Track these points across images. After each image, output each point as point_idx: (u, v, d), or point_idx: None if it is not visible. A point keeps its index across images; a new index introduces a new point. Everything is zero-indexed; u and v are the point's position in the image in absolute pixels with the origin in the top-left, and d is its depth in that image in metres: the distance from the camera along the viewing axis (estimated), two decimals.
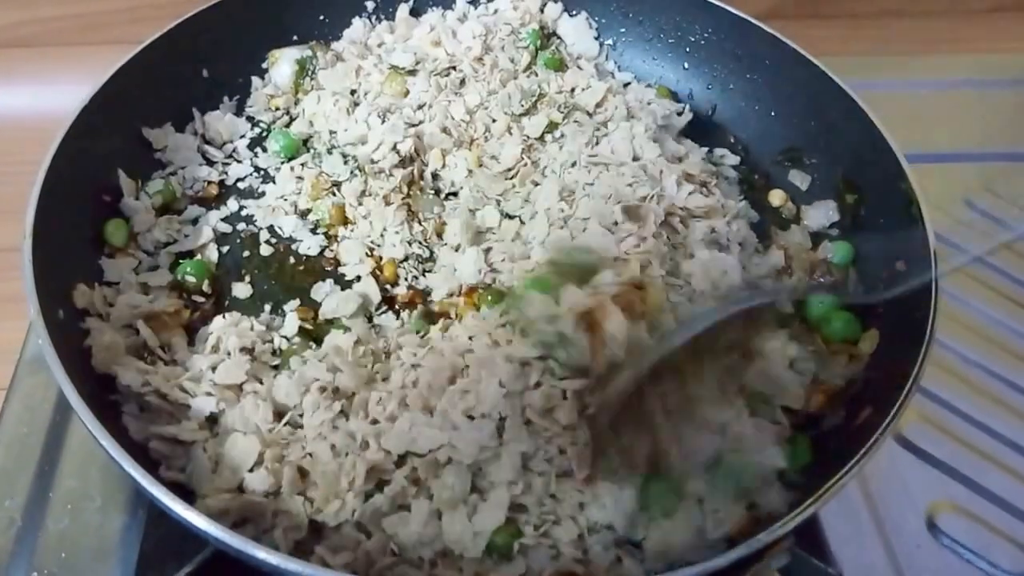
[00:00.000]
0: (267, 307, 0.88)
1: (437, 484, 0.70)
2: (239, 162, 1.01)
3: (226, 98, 1.06)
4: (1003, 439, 0.96)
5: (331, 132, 1.00)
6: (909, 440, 0.95)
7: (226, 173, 1.00)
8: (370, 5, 1.14)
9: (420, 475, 0.71)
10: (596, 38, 1.16)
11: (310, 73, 1.06)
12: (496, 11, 1.15)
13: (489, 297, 0.83)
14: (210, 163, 1.00)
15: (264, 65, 1.07)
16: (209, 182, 0.97)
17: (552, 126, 0.99)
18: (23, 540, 0.79)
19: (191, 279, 0.86)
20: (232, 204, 0.97)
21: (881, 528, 0.87)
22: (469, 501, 0.70)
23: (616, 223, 0.86)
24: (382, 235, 0.92)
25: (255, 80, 1.07)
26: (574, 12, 1.16)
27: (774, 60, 1.05)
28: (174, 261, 0.90)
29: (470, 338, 0.78)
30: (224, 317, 0.82)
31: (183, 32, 0.99)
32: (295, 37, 1.10)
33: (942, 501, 0.91)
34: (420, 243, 0.92)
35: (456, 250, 0.90)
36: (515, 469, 0.71)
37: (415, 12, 1.15)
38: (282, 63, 1.06)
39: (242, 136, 1.03)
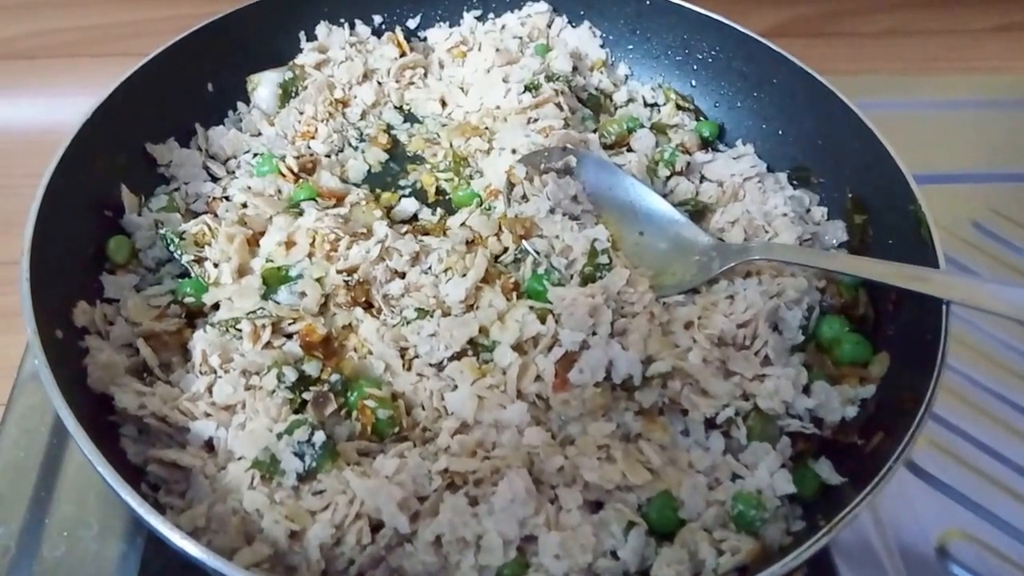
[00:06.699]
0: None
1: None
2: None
3: (231, 112, 1.05)
4: (1014, 466, 0.95)
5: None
6: (920, 467, 0.94)
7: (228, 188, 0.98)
8: (377, 19, 1.14)
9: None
10: (602, 46, 1.16)
11: (293, 94, 1.05)
12: (504, 27, 1.15)
13: None
14: (214, 179, 0.99)
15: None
16: (213, 198, 0.96)
17: None
18: (17, 569, 0.77)
19: (191, 298, 0.85)
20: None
21: (892, 555, 0.86)
22: (473, 539, 0.69)
23: None
24: None
25: (241, 105, 1.06)
26: (576, 24, 1.17)
27: (781, 79, 1.05)
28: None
29: None
30: (205, 331, 0.81)
31: (188, 46, 0.99)
32: (302, 51, 1.10)
33: (953, 529, 0.90)
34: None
35: None
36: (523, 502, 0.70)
37: (421, 27, 1.16)
38: (261, 87, 1.05)
39: (246, 151, 1.02)
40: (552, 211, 0.92)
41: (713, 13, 1.08)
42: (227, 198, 0.96)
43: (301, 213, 0.90)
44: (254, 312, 0.81)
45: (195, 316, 0.85)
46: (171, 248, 0.88)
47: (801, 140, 1.03)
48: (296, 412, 0.76)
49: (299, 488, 0.71)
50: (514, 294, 0.86)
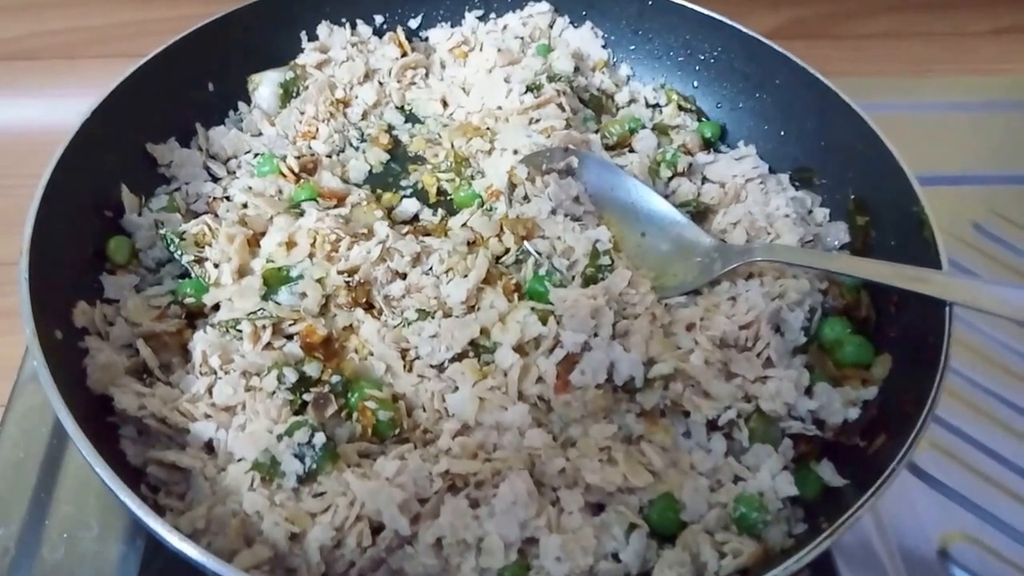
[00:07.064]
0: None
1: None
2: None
3: (231, 112, 1.05)
4: (1016, 468, 0.95)
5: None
6: (921, 469, 0.93)
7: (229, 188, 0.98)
8: (378, 19, 1.14)
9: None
10: (603, 46, 1.15)
11: (294, 94, 1.05)
12: (505, 27, 1.15)
13: None
14: (215, 179, 0.99)
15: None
16: (213, 198, 0.95)
17: None
18: (17, 570, 0.77)
19: (191, 299, 0.84)
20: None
21: (893, 558, 0.86)
22: (474, 542, 0.69)
23: None
24: None
25: (242, 105, 1.06)
26: (577, 24, 1.16)
27: (783, 79, 1.04)
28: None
29: None
30: (205, 331, 0.80)
31: (188, 46, 0.98)
32: (303, 51, 1.10)
33: (954, 531, 0.89)
34: None
35: None
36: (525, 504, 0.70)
37: (423, 27, 1.16)
38: (263, 87, 1.05)
39: (247, 151, 1.01)
40: (554, 212, 0.91)
41: (715, 13, 1.08)
42: (228, 198, 0.95)
43: (302, 213, 0.90)
44: (254, 313, 0.81)
45: (195, 317, 0.85)
46: (171, 248, 0.88)
47: (803, 141, 1.03)
48: (296, 413, 0.75)
49: (299, 490, 0.71)
50: (515, 295, 0.85)
